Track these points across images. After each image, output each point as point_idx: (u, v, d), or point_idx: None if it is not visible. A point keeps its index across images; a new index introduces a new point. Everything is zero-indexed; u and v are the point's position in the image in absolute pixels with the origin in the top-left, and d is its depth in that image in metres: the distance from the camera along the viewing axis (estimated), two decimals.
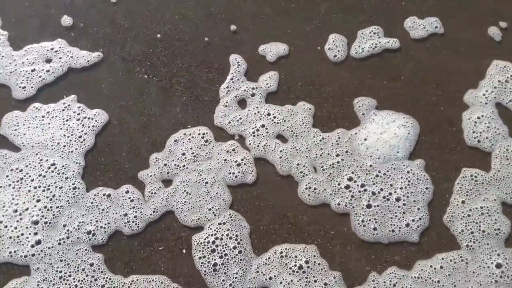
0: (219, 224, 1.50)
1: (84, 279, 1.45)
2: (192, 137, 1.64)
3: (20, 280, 1.45)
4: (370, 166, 1.56)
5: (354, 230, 1.49)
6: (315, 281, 1.43)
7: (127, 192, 1.56)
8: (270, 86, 1.73)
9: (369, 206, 1.50)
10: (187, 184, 1.57)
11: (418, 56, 1.78)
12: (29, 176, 1.58)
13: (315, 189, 1.54)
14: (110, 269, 1.47)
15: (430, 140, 1.63)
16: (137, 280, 1.45)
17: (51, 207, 1.54)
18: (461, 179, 1.57)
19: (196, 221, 1.52)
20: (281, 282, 1.42)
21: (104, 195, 1.56)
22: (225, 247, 1.48)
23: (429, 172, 1.57)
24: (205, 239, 1.49)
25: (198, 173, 1.58)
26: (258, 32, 1.83)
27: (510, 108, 1.66)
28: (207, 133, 1.65)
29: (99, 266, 1.47)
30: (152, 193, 1.56)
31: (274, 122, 1.66)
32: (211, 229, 1.50)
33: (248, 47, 1.80)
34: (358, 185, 1.53)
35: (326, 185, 1.54)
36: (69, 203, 1.55)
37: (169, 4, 1.90)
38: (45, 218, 1.52)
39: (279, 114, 1.67)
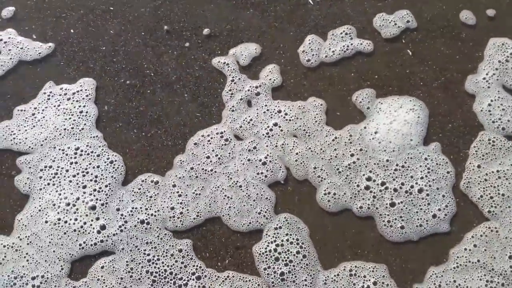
0: (276, 229, 1.46)
1: (173, 264, 1.43)
2: (211, 138, 1.59)
3: (108, 259, 1.44)
4: (387, 160, 1.51)
5: (381, 232, 1.44)
6: None
7: (174, 185, 1.52)
8: (274, 80, 1.66)
9: (392, 204, 1.46)
10: (224, 189, 1.51)
11: (396, 52, 1.71)
12: (62, 168, 1.54)
13: (334, 194, 1.49)
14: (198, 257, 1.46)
15: (440, 120, 1.59)
16: (233, 276, 1.42)
17: (100, 188, 1.51)
18: (478, 142, 1.54)
19: (248, 226, 1.47)
20: None
21: (151, 181, 1.54)
22: (288, 253, 1.43)
23: (446, 154, 1.53)
24: (265, 248, 1.44)
25: (228, 176, 1.53)
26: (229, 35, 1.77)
27: None
28: (225, 130, 1.59)
29: (187, 252, 1.44)
30: (196, 194, 1.52)
31: (286, 120, 1.60)
32: (269, 236, 1.45)
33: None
34: (378, 184, 1.49)
35: (345, 189, 1.49)
36: (114, 178, 1.52)
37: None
38: (100, 200, 1.50)
39: (290, 111, 1.61)
